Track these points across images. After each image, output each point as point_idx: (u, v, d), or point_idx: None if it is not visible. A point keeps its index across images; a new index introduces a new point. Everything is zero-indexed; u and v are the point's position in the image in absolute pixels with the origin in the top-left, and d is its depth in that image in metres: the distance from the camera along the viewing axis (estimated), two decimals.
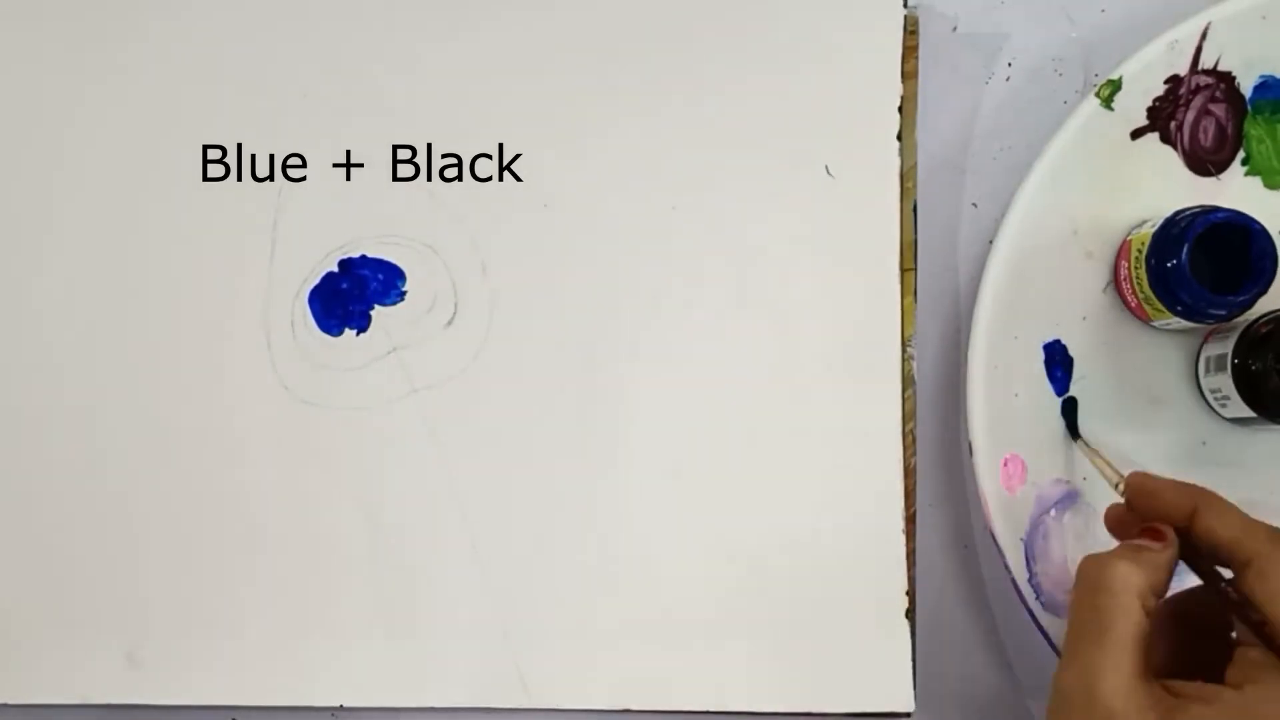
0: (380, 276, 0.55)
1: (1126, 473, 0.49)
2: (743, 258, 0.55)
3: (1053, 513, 0.55)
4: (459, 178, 0.55)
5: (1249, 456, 0.55)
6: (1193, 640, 0.47)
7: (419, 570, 0.54)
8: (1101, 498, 0.55)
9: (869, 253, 0.55)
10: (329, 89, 0.56)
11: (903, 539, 0.55)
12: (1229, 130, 0.55)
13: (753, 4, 0.56)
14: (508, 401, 0.54)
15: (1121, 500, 0.49)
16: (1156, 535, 0.47)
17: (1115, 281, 0.55)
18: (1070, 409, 0.54)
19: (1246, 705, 0.42)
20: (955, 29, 0.58)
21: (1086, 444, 0.53)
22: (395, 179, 0.55)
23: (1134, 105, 0.55)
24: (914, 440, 0.55)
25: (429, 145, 0.55)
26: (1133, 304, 0.54)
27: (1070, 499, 0.55)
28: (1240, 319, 0.53)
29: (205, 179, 0.55)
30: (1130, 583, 0.44)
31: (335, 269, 0.55)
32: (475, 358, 0.55)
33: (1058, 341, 0.55)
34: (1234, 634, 0.46)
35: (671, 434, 0.55)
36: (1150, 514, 0.47)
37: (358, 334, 0.55)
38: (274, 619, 0.55)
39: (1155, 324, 0.54)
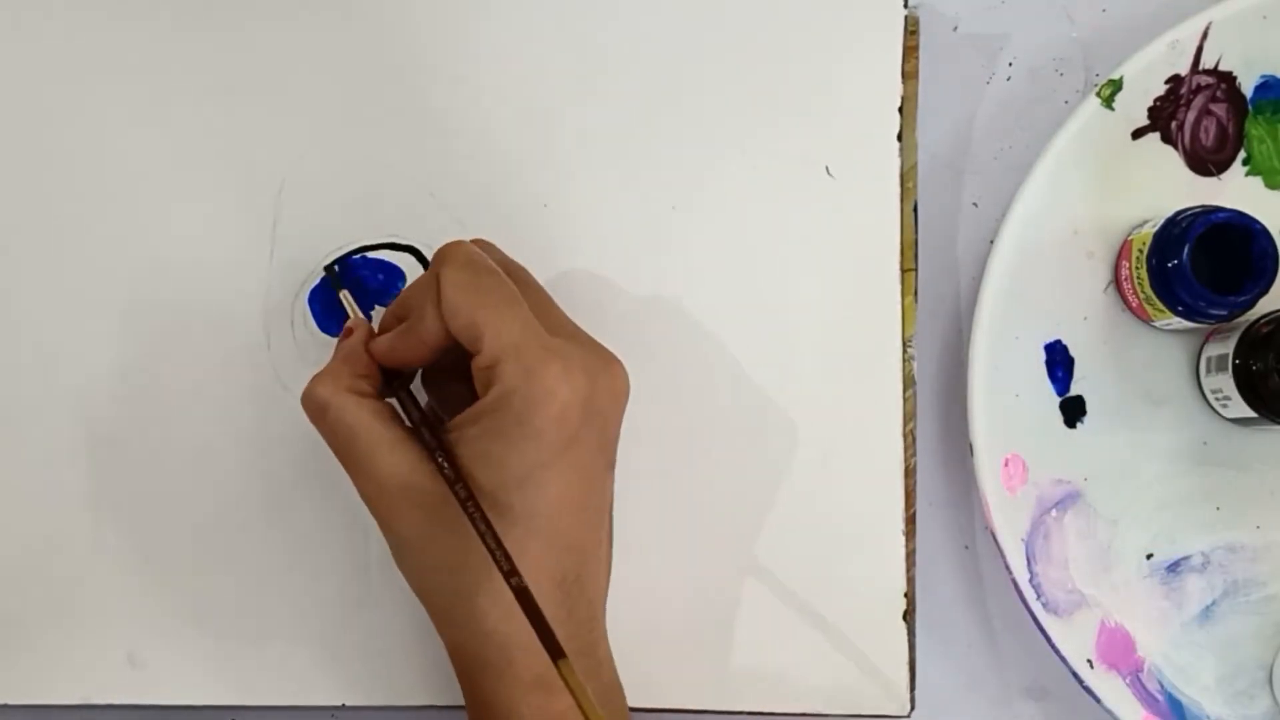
0: (380, 276, 0.55)
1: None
2: (743, 258, 0.55)
3: (1053, 513, 0.55)
4: (459, 177, 0.55)
5: (1250, 456, 0.55)
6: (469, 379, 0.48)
7: None
8: (1102, 498, 0.55)
9: (869, 253, 0.55)
10: (330, 89, 0.56)
11: (903, 539, 0.55)
12: (1230, 130, 0.55)
13: (753, 4, 0.55)
14: None
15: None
16: (345, 332, 0.50)
17: (1116, 281, 0.55)
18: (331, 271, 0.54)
19: (490, 405, 0.45)
20: (956, 29, 0.58)
21: (348, 296, 0.54)
22: (395, 179, 0.55)
23: (1135, 105, 0.55)
24: (914, 440, 0.55)
25: (429, 145, 0.55)
26: (1134, 304, 0.54)
27: (1071, 499, 0.55)
28: (1241, 319, 0.53)
29: (205, 179, 0.55)
30: (329, 391, 0.47)
31: (336, 269, 0.55)
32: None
33: (1058, 342, 0.55)
34: None
35: (671, 433, 0.55)
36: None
37: None
38: (274, 618, 0.55)
39: (1156, 324, 0.54)
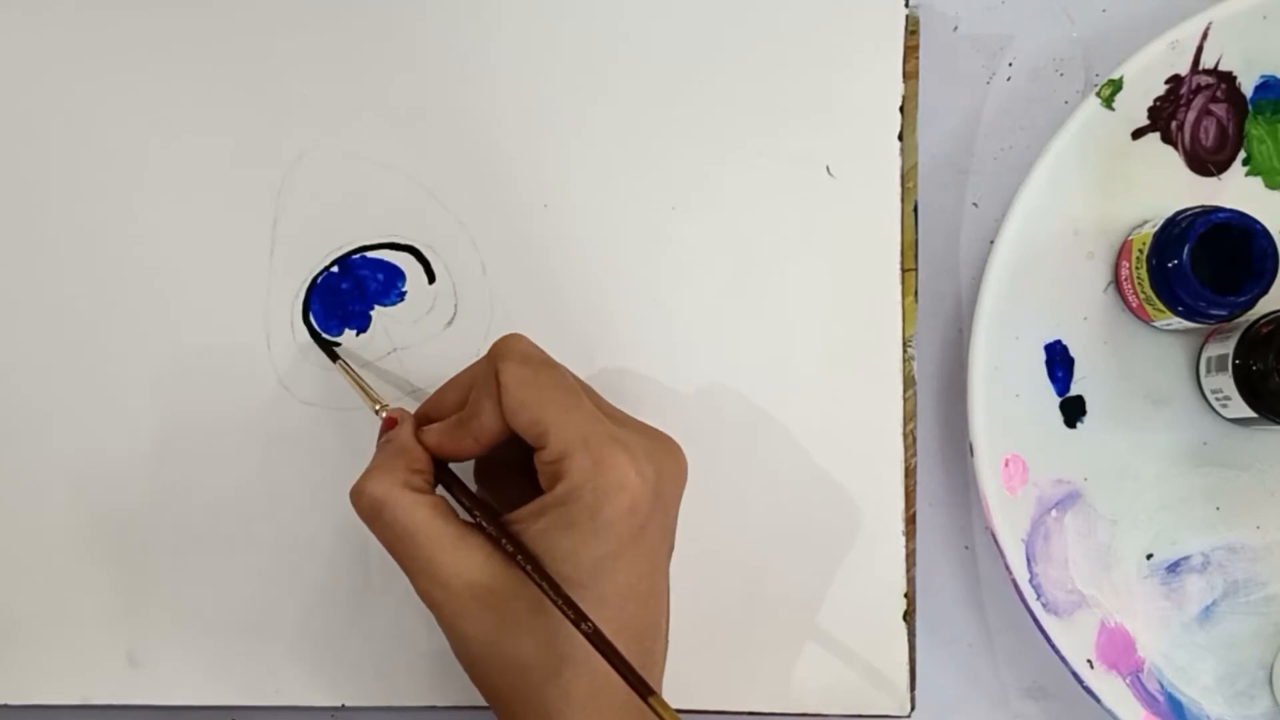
0: (380, 277, 0.55)
1: (387, 402, 0.51)
2: (743, 258, 0.55)
3: (1054, 513, 0.55)
4: (459, 177, 0.55)
5: (1250, 456, 0.55)
6: (523, 476, 0.48)
7: None
8: (1102, 498, 0.55)
9: (869, 252, 0.55)
10: (330, 89, 0.55)
11: (903, 539, 0.55)
12: (1230, 130, 0.55)
13: (753, 4, 0.55)
14: None
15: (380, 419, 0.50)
16: (389, 423, 0.50)
17: (1116, 282, 0.55)
18: (320, 341, 0.54)
19: (560, 499, 0.45)
20: (956, 29, 0.58)
21: (347, 365, 0.53)
22: (395, 179, 0.55)
23: (1135, 105, 0.55)
24: (914, 440, 0.55)
25: (430, 145, 0.55)
26: (1134, 304, 0.54)
27: (1071, 499, 0.55)
28: (1241, 319, 0.53)
29: (205, 179, 0.55)
30: (384, 489, 0.46)
31: (335, 269, 0.55)
32: (475, 358, 0.55)
33: (1059, 342, 0.55)
34: None
35: (670, 434, 0.55)
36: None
37: (358, 334, 0.55)
38: (274, 619, 0.55)
39: (1156, 324, 0.54)
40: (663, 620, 0.48)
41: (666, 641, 0.49)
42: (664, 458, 0.47)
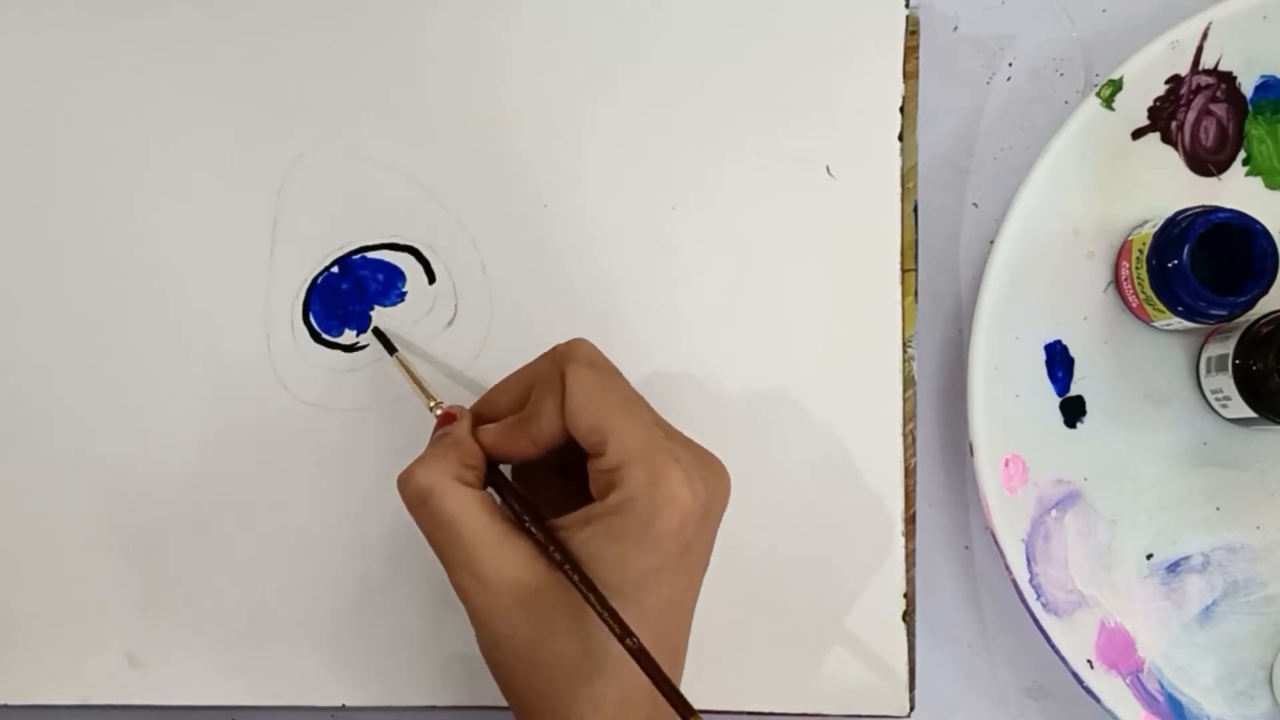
0: (380, 277, 0.55)
1: (441, 399, 0.51)
2: (743, 258, 0.55)
3: (1054, 513, 0.55)
4: (459, 177, 0.55)
5: (1250, 456, 0.55)
6: (576, 473, 0.48)
7: (420, 569, 0.54)
8: (1102, 498, 0.55)
9: (869, 252, 0.55)
10: (330, 89, 0.55)
11: (903, 539, 0.55)
12: (1230, 130, 0.55)
13: (753, 5, 0.55)
14: None
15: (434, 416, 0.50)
16: (446, 418, 0.49)
17: (1116, 282, 0.55)
18: (379, 334, 0.54)
19: (612, 508, 0.45)
20: (956, 29, 0.58)
21: (404, 360, 0.53)
22: (395, 179, 0.55)
23: (1135, 105, 0.55)
24: (914, 440, 0.55)
25: (430, 145, 0.55)
26: (1134, 304, 0.54)
27: (1071, 499, 0.55)
28: (1241, 319, 0.53)
29: (205, 179, 0.55)
30: (435, 478, 0.46)
31: (335, 269, 0.55)
32: (475, 358, 0.55)
33: (1059, 342, 0.55)
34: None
35: None
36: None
37: (358, 334, 0.55)
38: (274, 619, 0.55)
39: (1156, 324, 0.54)
40: (686, 640, 0.48)
41: (684, 660, 0.49)
42: (712, 477, 0.47)
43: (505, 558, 0.45)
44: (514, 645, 0.46)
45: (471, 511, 0.46)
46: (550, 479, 0.49)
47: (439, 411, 0.50)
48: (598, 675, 0.45)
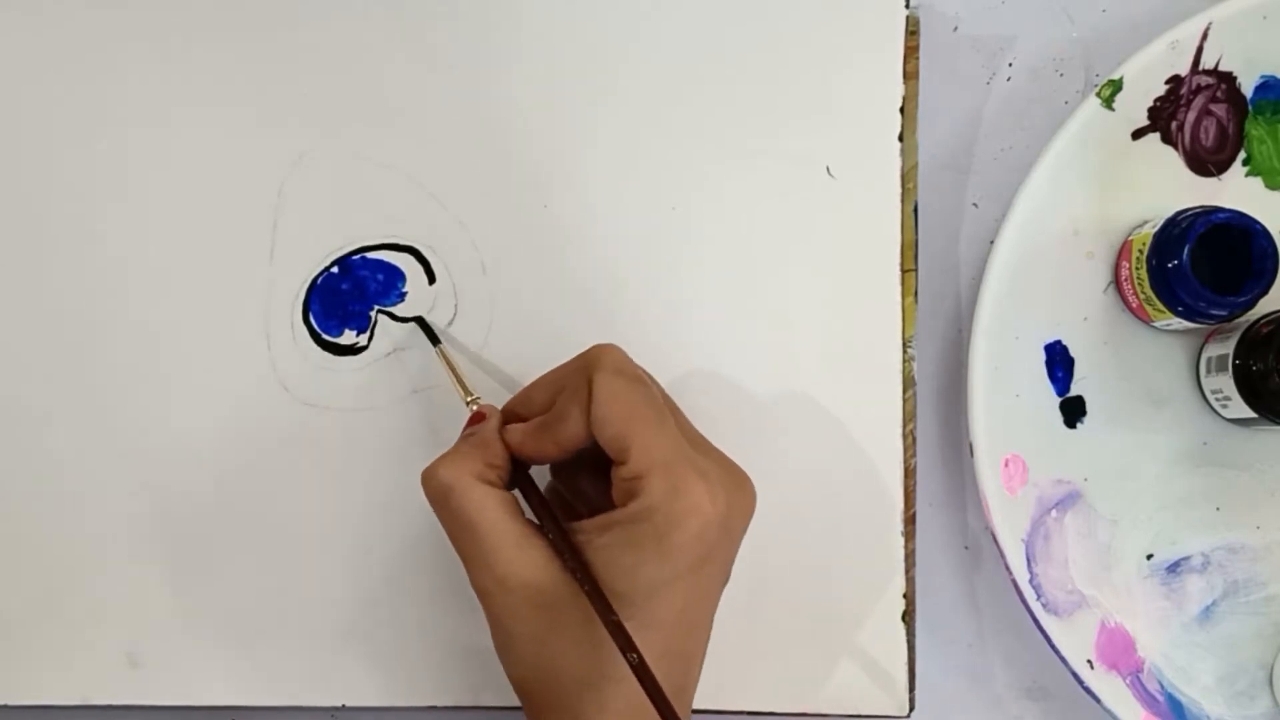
0: (380, 277, 0.55)
1: (477, 394, 0.51)
2: (743, 258, 0.55)
3: (1054, 513, 0.55)
4: (459, 177, 0.55)
5: (1250, 456, 0.55)
6: (599, 476, 0.48)
7: (420, 570, 0.54)
8: (1102, 498, 0.55)
9: (869, 253, 0.55)
10: (330, 89, 0.55)
11: (902, 539, 0.55)
12: (1230, 130, 0.55)
13: (753, 5, 0.55)
14: None
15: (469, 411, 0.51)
16: (477, 417, 0.50)
17: (1116, 282, 0.55)
18: (424, 325, 0.54)
19: (630, 516, 0.45)
20: (956, 29, 0.58)
21: (445, 353, 0.53)
22: (395, 179, 0.55)
23: (1135, 105, 0.55)
24: (914, 440, 0.55)
25: (430, 145, 0.55)
26: (1134, 304, 0.54)
27: (1071, 499, 0.55)
28: (1241, 319, 0.53)
29: (205, 179, 0.55)
30: (457, 475, 0.46)
31: (335, 269, 0.55)
32: (476, 359, 0.55)
33: (1059, 342, 0.55)
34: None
35: None
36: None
37: (358, 334, 0.55)
38: (274, 619, 0.55)
39: (1156, 324, 0.54)
40: (702, 650, 0.48)
41: (700, 669, 0.49)
42: (736, 490, 0.47)
43: (523, 559, 0.46)
44: (527, 646, 0.46)
45: (492, 512, 0.46)
46: (591, 473, 0.49)
47: (474, 407, 0.50)
48: (607, 681, 0.45)
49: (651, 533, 0.44)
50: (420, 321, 0.54)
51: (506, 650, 0.47)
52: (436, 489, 0.47)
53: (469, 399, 0.51)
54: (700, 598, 0.47)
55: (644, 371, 0.49)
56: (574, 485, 0.51)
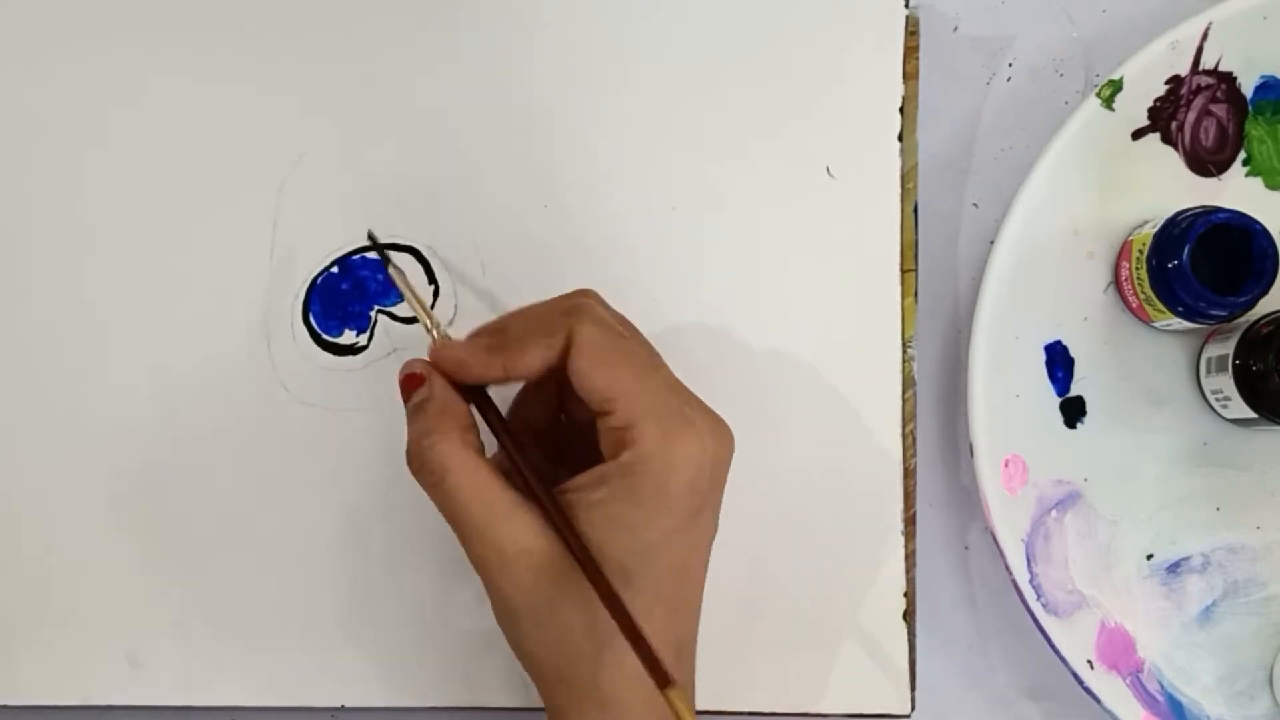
0: (380, 277, 0.55)
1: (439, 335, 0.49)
2: (743, 258, 0.55)
3: (1054, 513, 0.55)
4: (459, 177, 0.55)
5: (1250, 456, 0.55)
6: (580, 431, 0.47)
7: (420, 570, 0.54)
8: (1102, 498, 0.55)
9: (869, 253, 0.55)
10: (330, 89, 0.56)
11: (902, 540, 0.55)
12: (1230, 131, 0.55)
13: (753, 5, 0.55)
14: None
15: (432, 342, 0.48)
16: (415, 381, 0.47)
17: (1116, 282, 0.55)
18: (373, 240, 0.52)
19: (625, 467, 0.44)
20: (956, 29, 0.58)
21: (398, 276, 0.51)
22: (395, 179, 0.55)
23: (1135, 105, 0.55)
24: (914, 441, 0.55)
25: (430, 145, 0.55)
26: (1134, 304, 0.54)
27: (1071, 499, 0.55)
28: (1241, 320, 0.53)
29: (205, 179, 0.55)
30: (446, 453, 0.45)
31: (335, 269, 0.55)
32: None
33: (1059, 342, 0.55)
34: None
35: None
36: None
37: (358, 334, 0.55)
38: (274, 619, 0.54)
39: (1156, 325, 0.54)
40: (699, 602, 0.47)
41: (699, 622, 0.48)
42: (721, 437, 0.46)
43: (518, 526, 0.45)
44: (533, 615, 0.45)
45: (483, 485, 0.45)
46: (543, 443, 0.49)
47: (436, 334, 0.48)
48: (617, 636, 0.44)
49: (649, 482, 0.44)
50: (370, 237, 0.53)
51: (513, 624, 0.46)
52: (429, 472, 0.46)
53: (435, 330, 0.49)
54: (699, 548, 0.46)
55: (625, 319, 0.48)
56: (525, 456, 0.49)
